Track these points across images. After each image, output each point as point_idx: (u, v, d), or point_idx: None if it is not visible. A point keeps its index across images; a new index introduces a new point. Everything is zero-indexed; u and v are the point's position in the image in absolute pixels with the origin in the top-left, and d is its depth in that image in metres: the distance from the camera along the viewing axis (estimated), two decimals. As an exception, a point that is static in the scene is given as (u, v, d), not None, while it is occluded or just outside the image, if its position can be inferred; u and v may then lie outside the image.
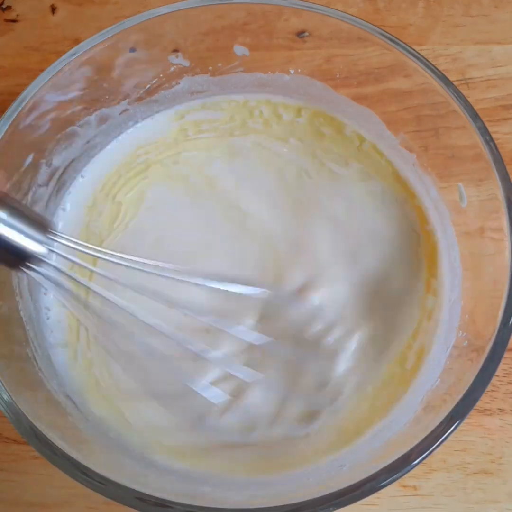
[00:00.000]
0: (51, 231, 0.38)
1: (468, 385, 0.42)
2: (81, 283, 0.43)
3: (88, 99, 0.54)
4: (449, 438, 0.41)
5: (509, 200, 0.45)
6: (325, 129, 0.57)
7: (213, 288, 0.47)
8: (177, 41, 0.54)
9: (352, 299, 0.53)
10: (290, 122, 0.58)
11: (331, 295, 0.53)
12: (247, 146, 0.58)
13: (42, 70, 0.49)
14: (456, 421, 0.41)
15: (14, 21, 0.65)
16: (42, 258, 0.38)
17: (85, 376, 0.52)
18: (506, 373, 0.55)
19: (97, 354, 0.52)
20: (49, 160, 0.53)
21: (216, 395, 0.49)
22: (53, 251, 0.39)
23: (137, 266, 0.43)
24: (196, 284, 0.46)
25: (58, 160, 0.54)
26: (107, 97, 0.55)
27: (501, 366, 0.47)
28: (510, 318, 0.43)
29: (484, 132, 0.47)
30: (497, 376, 0.54)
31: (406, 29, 0.64)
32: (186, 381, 0.48)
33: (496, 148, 0.46)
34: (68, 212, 0.56)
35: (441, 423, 0.42)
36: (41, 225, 0.38)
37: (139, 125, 0.59)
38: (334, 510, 0.40)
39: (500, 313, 0.43)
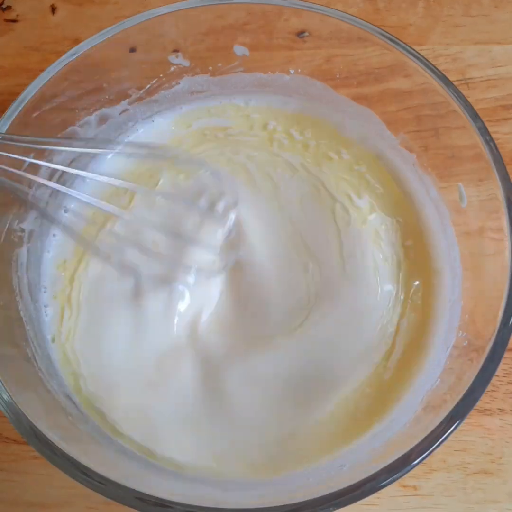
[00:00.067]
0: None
1: (468, 385, 0.42)
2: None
3: (88, 99, 0.54)
4: (449, 438, 0.41)
5: (509, 200, 0.45)
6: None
7: None
8: (177, 41, 0.54)
9: None
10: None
11: None
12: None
13: (42, 70, 0.49)
14: (456, 421, 0.41)
15: (14, 21, 0.65)
16: None
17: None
18: (506, 373, 0.55)
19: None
20: (49, 160, 0.53)
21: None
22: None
23: None
24: None
25: (58, 160, 0.54)
26: (107, 97, 0.55)
27: (501, 366, 0.47)
28: (510, 318, 0.43)
29: (484, 132, 0.47)
30: (497, 376, 0.54)
31: (406, 29, 0.64)
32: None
33: (496, 148, 0.46)
34: (68, 211, 0.56)
35: (441, 423, 0.42)
36: None
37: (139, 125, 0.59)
38: (334, 510, 0.40)
39: (500, 313, 0.43)
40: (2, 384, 0.43)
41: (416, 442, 0.41)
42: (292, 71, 0.57)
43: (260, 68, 0.57)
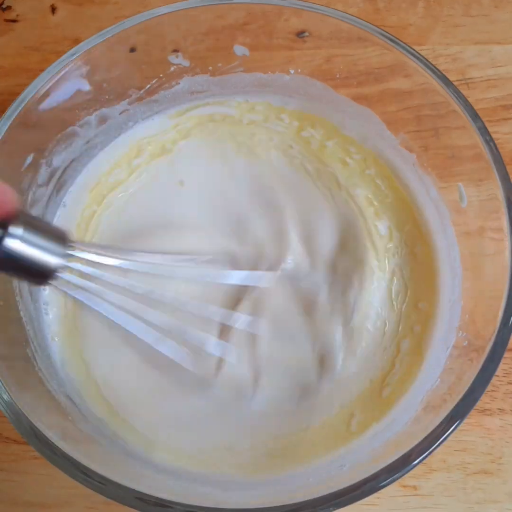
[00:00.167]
0: (70, 242, 0.37)
1: (468, 385, 0.42)
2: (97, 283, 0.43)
3: (88, 99, 0.54)
4: (449, 438, 0.41)
5: (509, 200, 0.45)
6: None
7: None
8: (177, 41, 0.54)
9: None
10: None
11: None
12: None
13: (42, 70, 0.49)
14: (456, 421, 0.41)
15: (14, 21, 0.65)
16: (63, 270, 0.37)
17: (82, 375, 0.53)
18: (506, 373, 0.55)
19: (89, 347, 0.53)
20: (49, 160, 0.53)
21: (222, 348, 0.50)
22: (70, 264, 0.38)
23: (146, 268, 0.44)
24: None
25: (58, 160, 0.54)
26: (107, 97, 0.55)
27: (501, 366, 0.47)
28: (510, 318, 0.43)
29: (484, 132, 0.47)
30: (497, 376, 0.54)
31: (406, 29, 0.64)
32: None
33: (496, 148, 0.46)
34: (68, 210, 0.57)
35: (441, 423, 0.42)
36: (60, 237, 0.36)
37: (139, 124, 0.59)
38: (334, 510, 0.40)
39: (500, 313, 0.43)
40: (2, 384, 0.43)
41: (416, 442, 0.41)
42: (292, 71, 0.57)
43: (260, 68, 0.57)
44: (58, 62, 0.50)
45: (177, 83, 0.57)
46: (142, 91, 0.57)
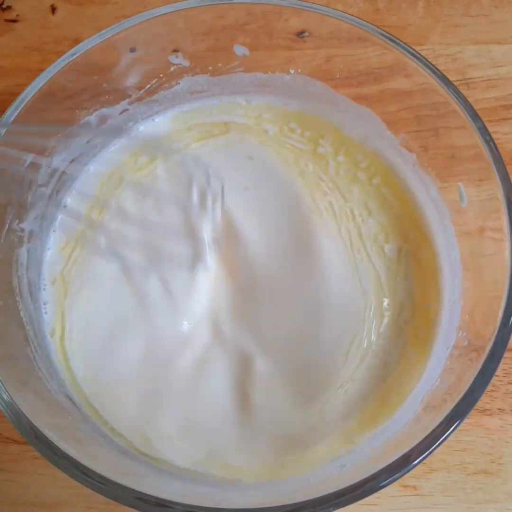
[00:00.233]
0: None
1: (468, 385, 0.42)
2: None
3: (88, 99, 0.54)
4: (449, 438, 0.41)
5: (509, 200, 0.45)
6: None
7: None
8: (177, 41, 0.54)
9: None
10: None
11: None
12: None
13: (42, 70, 0.49)
14: (456, 421, 0.41)
15: (14, 21, 0.65)
16: None
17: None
18: (506, 373, 0.55)
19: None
20: (49, 160, 0.53)
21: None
22: None
23: None
24: None
25: (58, 160, 0.54)
26: (107, 97, 0.55)
27: (501, 366, 0.47)
28: (510, 318, 0.43)
29: (484, 132, 0.47)
30: (497, 376, 0.54)
31: (406, 29, 0.64)
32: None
33: (496, 148, 0.46)
34: (68, 210, 0.57)
35: (441, 423, 0.42)
36: None
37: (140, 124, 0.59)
38: (334, 510, 0.40)
39: (500, 313, 0.43)
40: (2, 384, 0.43)
41: (416, 442, 0.41)
42: (292, 71, 0.57)
43: (260, 68, 0.57)
44: (58, 62, 0.50)
45: (177, 83, 0.57)
46: (142, 91, 0.57)
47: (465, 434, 0.54)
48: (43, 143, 0.52)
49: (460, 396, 0.42)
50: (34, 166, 0.52)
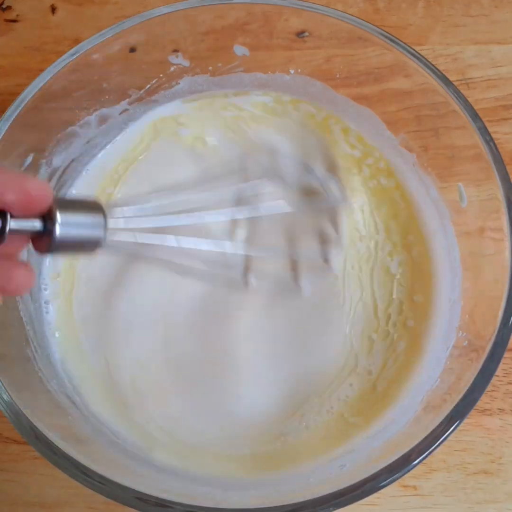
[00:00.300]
0: (105, 210, 0.39)
1: (468, 385, 0.42)
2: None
3: (88, 99, 0.54)
4: (449, 438, 0.41)
5: (509, 200, 0.45)
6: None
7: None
8: (177, 41, 0.54)
9: None
10: None
11: None
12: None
13: (42, 70, 0.49)
14: (456, 421, 0.41)
15: (14, 21, 0.65)
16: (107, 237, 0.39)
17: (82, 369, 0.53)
18: (506, 373, 0.55)
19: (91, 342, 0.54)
20: (49, 160, 0.53)
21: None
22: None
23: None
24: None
25: (58, 160, 0.54)
26: (107, 97, 0.55)
27: (501, 366, 0.47)
28: (510, 318, 0.43)
29: (484, 132, 0.47)
30: (497, 376, 0.54)
31: (406, 29, 0.64)
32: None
33: (496, 148, 0.46)
34: None
35: (441, 423, 0.42)
36: (96, 209, 0.39)
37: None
38: (334, 510, 0.40)
39: (500, 313, 0.43)
40: (2, 384, 0.43)
41: (416, 442, 0.41)
42: (292, 71, 0.57)
43: (260, 68, 0.57)
44: (58, 62, 0.50)
45: (177, 83, 0.57)
46: (142, 91, 0.57)
47: (465, 434, 0.54)
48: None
49: (460, 396, 0.42)
50: (34, 166, 0.52)
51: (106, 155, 0.58)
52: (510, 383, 0.55)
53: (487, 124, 0.47)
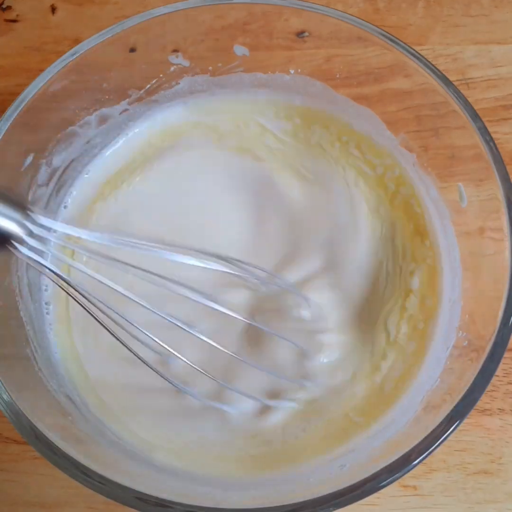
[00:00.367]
0: (30, 212, 0.38)
1: (468, 385, 0.42)
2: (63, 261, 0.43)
3: (88, 99, 0.54)
4: (449, 438, 0.41)
5: (509, 200, 0.45)
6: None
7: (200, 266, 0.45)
8: (177, 41, 0.54)
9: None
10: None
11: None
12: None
13: (42, 70, 0.49)
14: (456, 421, 0.41)
15: (14, 21, 0.65)
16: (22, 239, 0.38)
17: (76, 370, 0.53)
18: (506, 373, 0.55)
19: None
20: (49, 160, 0.53)
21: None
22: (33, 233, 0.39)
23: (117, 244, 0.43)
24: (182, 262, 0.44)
25: (58, 160, 0.54)
26: (107, 97, 0.55)
27: (501, 366, 0.47)
28: (510, 318, 0.43)
29: (484, 132, 0.47)
30: (497, 376, 0.54)
31: (406, 29, 0.64)
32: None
33: (496, 148, 0.46)
34: (69, 210, 0.57)
35: (441, 423, 0.42)
36: (20, 206, 0.38)
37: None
38: (334, 510, 0.40)
39: (500, 313, 0.43)
40: (2, 384, 0.43)
41: (416, 442, 0.41)
42: (292, 71, 0.57)
43: (260, 68, 0.57)
44: (58, 62, 0.50)
45: (177, 83, 0.57)
46: (142, 91, 0.57)
47: (465, 434, 0.54)
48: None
49: (460, 396, 0.42)
50: (34, 166, 0.52)
51: (106, 155, 0.58)
52: (510, 383, 0.55)
53: (487, 124, 0.47)
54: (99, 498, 0.41)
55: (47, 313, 0.54)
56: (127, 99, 0.56)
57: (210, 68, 0.57)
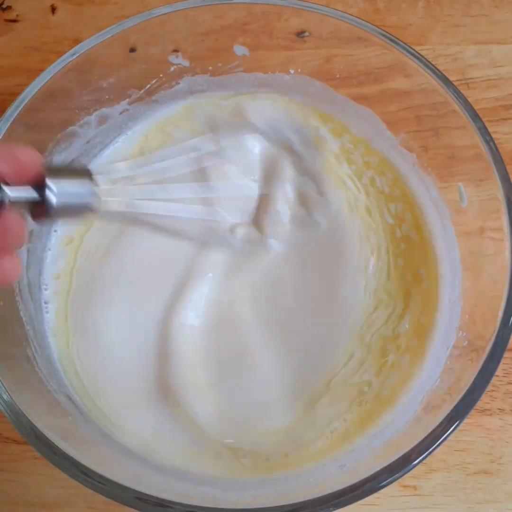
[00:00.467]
0: (96, 181, 0.40)
1: (468, 385, 0.42)
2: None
3: (88, 99, 0.54)
4: (449, 438, 0.41)
5: (509, 200, 0.45)
6: None
7: None
8: (177, 41, 0.54)
9: None
10: None
11: None
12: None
13: (42, 70, 0.49)
14: (456, 421, 0.41)
15: (14, 21, 0.65)
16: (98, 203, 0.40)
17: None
18: (506, 373, 0.55)
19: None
20: (49, 160, 0.53)
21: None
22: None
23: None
24: None
25: (58, 160, 0.54)
26: (107, 97, 0.55)
27: (501, 366, 0.47)
28: (510, 318, 0.43)
29: (484, 132, 0.47)
30: (497, 376, 0.54)
31: (406, 29, 0.64)
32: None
33: (496, 148, 0.46)
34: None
35: (441, 423, 0.42)
36: (86, 175, 0.40)
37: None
38: (334, 510, 0.40)
39: (500, 313, 0.43)
40: (2, 384, 0.43)
41: (416, 442, 0.41)
42: (292, 71, 0.57)
43: (260, 68, 0.57)
44: (58, 62, 0.50)
45: (177, 83, 0.57)
46: (142, 91, 0.57)
47: (465, 434, 0.54)
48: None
49: (460, 396, 0.42)
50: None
51: (106, 155, 0.58)
52: (510, 383, 0.55)
53: (487, 124, 0.47)
54: (99, 498, 0.41)
55: (47, 312, 0.54)
56: (127, 99, 0.56)
57: (210, 68, 0.57)
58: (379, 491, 0.40)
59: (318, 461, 0.49)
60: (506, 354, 0.43)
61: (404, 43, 0.50)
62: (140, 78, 0.56)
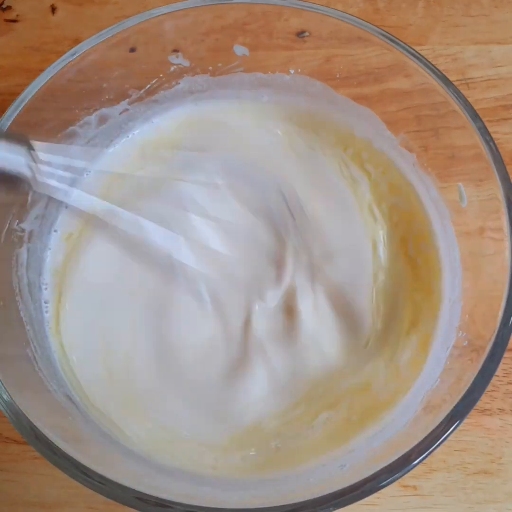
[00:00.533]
0: (34, 156, 0.40)
1: (468, 385, 0.42)
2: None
3: (88, 99, 0.54)
4: (449, 438, 0.41)
5: (509, 200, 0.45)
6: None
7: None
8: (177, 41, 0.54)
9: None
10: None
11: None
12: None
13: (42, 70, 0.49)
14: (456, 421, 0.41)
15: (14, 21, 0.65)
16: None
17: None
18: (506, 373, 0.55)
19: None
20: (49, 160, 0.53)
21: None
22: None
23: None
24: None
25: (58, 161, 0.54)
26: (107, 97, 0.55)
27: (501, 366, 0.47)
28: (510, 318, 0.43)
29: (484, 132, 0.47)
30: (497, 376, 0.54)
31: (406, 29, 0.64)
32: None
33: (496, 148, 0.46)
34: (68, 211, 0.57)
35: (441, 423, 0.42)
36: (24, 142, 0.39)
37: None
38: (334, 510, 0.40)
39: (500, 313, 0.43)
40: (2, 384, 0.43)
41: (416, 442, 0.41)
42: (292, 71, 0.57)
43: (260, 68, 0.57)
44: (58, 62, 0.50)
45: (177, 83, 0.57)
46: (142, 91, 0.57)
47: (465, 434, 0.54)
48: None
49: (460, 396, 0.42)
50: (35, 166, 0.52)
51: (106, 155, 0.58)
52: (510, 383, 0.55)
53: (487, 124, 0.47)
54: (99, 498, 0.41)
55: (46, 312, 0.54)
56: (127, 99, 0.56)
57: (210, 68, 0.57)
58: (379, 491, 0.40)
59: (318, 460, 0.49)
60: (506, 354, 0.43)
61: (404, 43, 0.50)
62: (140, 78, 0.56)
